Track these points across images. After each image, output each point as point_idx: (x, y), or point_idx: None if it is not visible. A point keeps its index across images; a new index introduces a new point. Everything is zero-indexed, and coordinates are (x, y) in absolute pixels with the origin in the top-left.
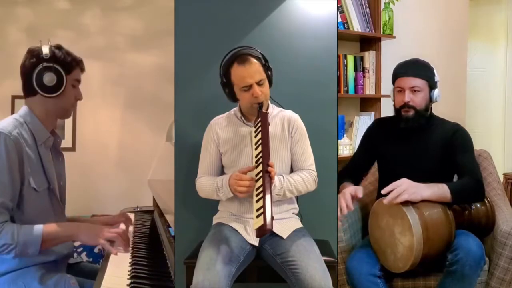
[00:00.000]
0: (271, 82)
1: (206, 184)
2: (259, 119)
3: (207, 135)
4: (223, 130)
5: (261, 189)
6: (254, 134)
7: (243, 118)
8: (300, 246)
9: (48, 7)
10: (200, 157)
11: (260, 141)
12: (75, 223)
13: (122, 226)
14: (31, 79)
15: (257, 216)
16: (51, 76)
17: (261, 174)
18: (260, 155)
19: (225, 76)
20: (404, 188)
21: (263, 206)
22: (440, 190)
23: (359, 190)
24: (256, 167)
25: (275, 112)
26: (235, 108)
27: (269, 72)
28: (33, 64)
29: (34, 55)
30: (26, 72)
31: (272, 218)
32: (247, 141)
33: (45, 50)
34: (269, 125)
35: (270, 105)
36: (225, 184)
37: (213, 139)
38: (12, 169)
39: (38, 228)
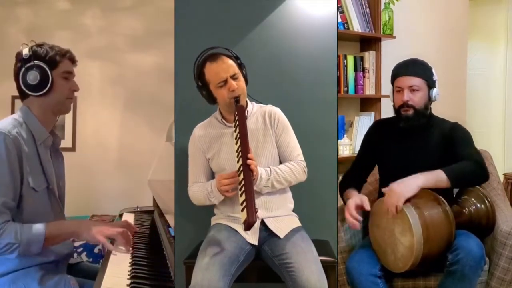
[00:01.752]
0: (247, 80)
1: (197, 191)
2: (236, 113)
3: (192, 144)
4: (206, 136)
5: (243, 182)
6: (233, 129)
7: (223, 120)
8: (298, 247)
9: (48, 7)
10: (189, 166)
11: (238, 135)
12: (76, 220)
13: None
14: (19, 82)
15: (242, 210)
16: (34, 74)
17: (241, 168)
18: (240, 149)
19: (199, 78)
20: (394, 191)
21: (246, 200)
22: (434, 175)
23: (365, 202)
24: (238, 161)
25: (255, 109)
26: (216, 112)
27: (243, 70)
28: (18, 68)
29: (18, 59)
30: (15, 76)
31: (256, 211)
32: (230, 143)
33: (25, 51)
34: (246, 118)
35: (249, 102)
36: (214, 188)
37: (197, 147)
38: (12, 168)
39: (40, 226)
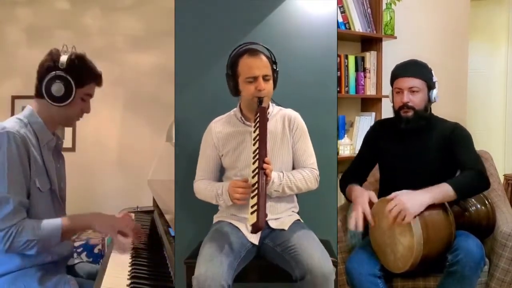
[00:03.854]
0: (276, 85)
1: (205, 188)
2: (258, 114)
3: (206, 138)
4: (222, 132)
5: (256, 185)
6: (253, 130)
7: (243, 118)
8: (299, 233)
9: (48, 7)
10: (199, 159)
11: (257, 137)
12: (89, 213)
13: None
14: (42, 83)
15: (252, 213)
16: (60, 86)
17: (257, 170)
18: (257, 151)
19: (232, 67)
20: (403, 204)
21: (257, 203)
22: (442, 191)
23: (373, 197)
24: (254, 163)
25: (275, 111)
26: (235, 109)
27: (275, 75)
28: (48, 68)
29: (53, 59)
30: (41, 74)
31: (266, 216)
32: (247, 142)
33: (63, 59)
34: (267, 120)
35: (270, 104)
36: (225, 192)
37: (212, 142)
38: (24, 167)
39: (56, 221)
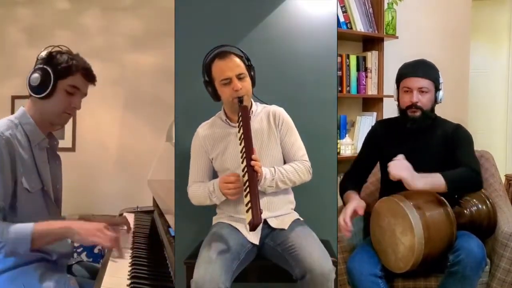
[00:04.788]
0: (254, 82)
1: (198, 190)
2: (240, 114)
3: (195, 143)
4: (210, 136)
5: (247, 184)
6: (237, 130)
7: (227, 120)
8: (299, 232)
9: (48, 7)
10: (190, 165)
11: (242, 136)
12: (68, 221)
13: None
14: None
15: (247, 211)
16: (37, 76)
17: (246, 168)
18: (244, 149)
19: (207, 74)
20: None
21: (250, 201)
22: (434, 179)
23: (360, 208)
24: (242, 162)
25: (259, 109)
26: (220, 112)
27: (252, 72)
28: (33, 66)
29: (37, 57)
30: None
31: (261, 211)
32: (234, 143)
33: (43, 53)
34: (249, 118)
35: (254, 103)
36: (216, 188)
37: (201, 147)
38: (3, 169)
39: (28, 226)
